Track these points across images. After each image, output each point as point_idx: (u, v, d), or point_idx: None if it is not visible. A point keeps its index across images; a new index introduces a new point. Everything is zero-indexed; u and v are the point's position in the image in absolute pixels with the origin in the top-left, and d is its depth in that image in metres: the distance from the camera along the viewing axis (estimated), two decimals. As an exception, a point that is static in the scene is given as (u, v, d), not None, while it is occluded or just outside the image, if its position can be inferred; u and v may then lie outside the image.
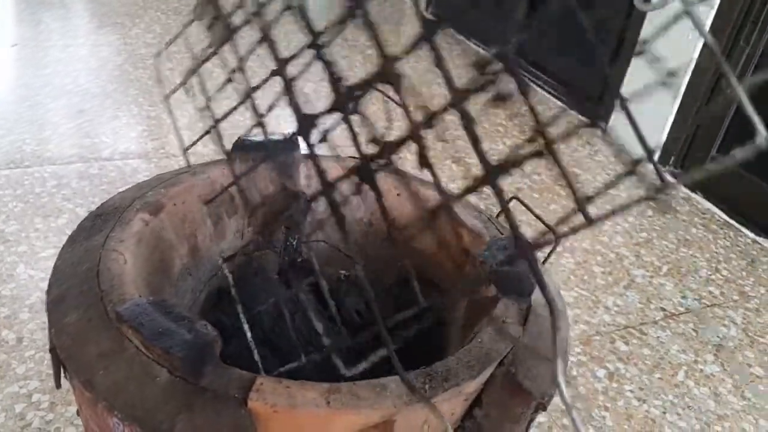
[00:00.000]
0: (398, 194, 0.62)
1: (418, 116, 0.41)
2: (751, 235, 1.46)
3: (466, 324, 0.51)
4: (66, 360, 0.43)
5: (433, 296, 0.58)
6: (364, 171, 0.42)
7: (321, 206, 0.62)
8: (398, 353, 0.50)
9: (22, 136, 1.45)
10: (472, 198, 0.59)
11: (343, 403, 0.41)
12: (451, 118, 0.40)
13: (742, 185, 1.51)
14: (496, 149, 1.72)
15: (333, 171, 0.61)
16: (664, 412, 0.97)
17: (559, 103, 2.10)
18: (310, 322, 0.50)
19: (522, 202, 0.61)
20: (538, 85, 2.20)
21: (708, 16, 1.54)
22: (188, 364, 0.40)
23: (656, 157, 1.76)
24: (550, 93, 2.16)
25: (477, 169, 0.38)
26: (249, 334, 0.46)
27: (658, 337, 1.11)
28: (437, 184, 0.40)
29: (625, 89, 1.52)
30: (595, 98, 2.02)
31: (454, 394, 0.43)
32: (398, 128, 0.44)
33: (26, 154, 1.39)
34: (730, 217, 1.52)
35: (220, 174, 0.58)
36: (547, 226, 0.59)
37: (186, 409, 0.39)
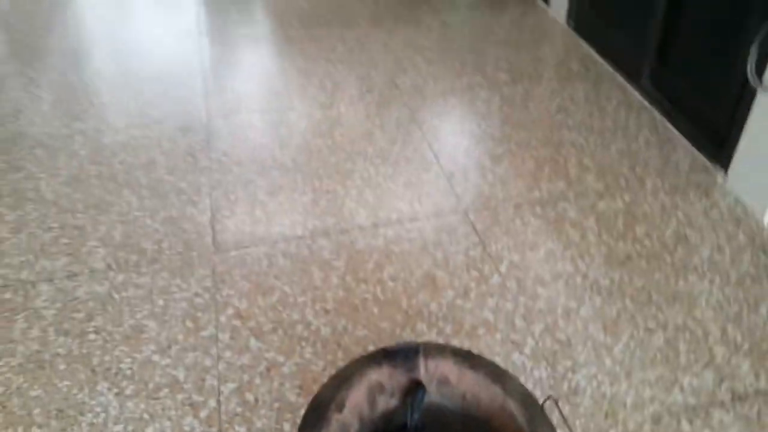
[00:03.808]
0: (477, 385, 1.01)
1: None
2: None
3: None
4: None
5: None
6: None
7: (433, 387, 1.03)
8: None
9: (242, 217, 2.00)
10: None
11: None
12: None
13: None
14: (615, 206, 1.97)
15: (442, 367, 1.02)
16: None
17: (684, 141, 2.24)
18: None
19: (557, 406, 0.97)
20: (667, 118, 2.34)
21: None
22: None
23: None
24: (675, 127, 2.30)
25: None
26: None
27: (721, 420, 1.39)
28: None
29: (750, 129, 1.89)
30: (720, 138, 2.12)
31: None
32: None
33: (245, 235, 1.94)
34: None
35: (376, 374, 1.01)
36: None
37: None
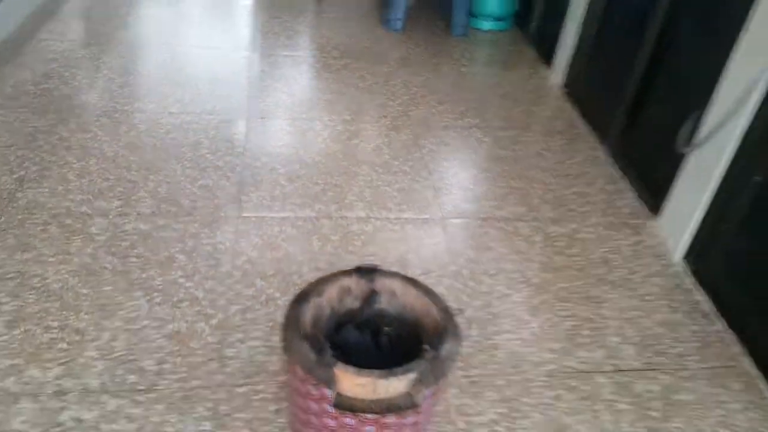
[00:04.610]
0: (414, 298, 1.47)
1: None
2: (721, 326, 2.05)
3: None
4: (285, 347, 1.35)
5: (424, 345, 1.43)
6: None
7: (384, 297, 1.50)
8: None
9: (264, 194, 2.49)
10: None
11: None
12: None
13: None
14: (560, 231, 2.43)
15: (392, 283, 1.49)
16: None
17: (631, 192, 2.71)
18: (369, 343, 1.40)
19: (462, 313, 1.43)
20: (623, 172, 2.82)
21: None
22: (319, 354, 1.30)
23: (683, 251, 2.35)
24: (628, 180, 2.77)
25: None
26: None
27: (601, 382, 1.82)
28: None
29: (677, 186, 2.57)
30: (658, 191, 2.58)
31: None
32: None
33: (264, 207, 2.42)
34: (718, 309, 2.11)
35: (348, 281, 1.47)
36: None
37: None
